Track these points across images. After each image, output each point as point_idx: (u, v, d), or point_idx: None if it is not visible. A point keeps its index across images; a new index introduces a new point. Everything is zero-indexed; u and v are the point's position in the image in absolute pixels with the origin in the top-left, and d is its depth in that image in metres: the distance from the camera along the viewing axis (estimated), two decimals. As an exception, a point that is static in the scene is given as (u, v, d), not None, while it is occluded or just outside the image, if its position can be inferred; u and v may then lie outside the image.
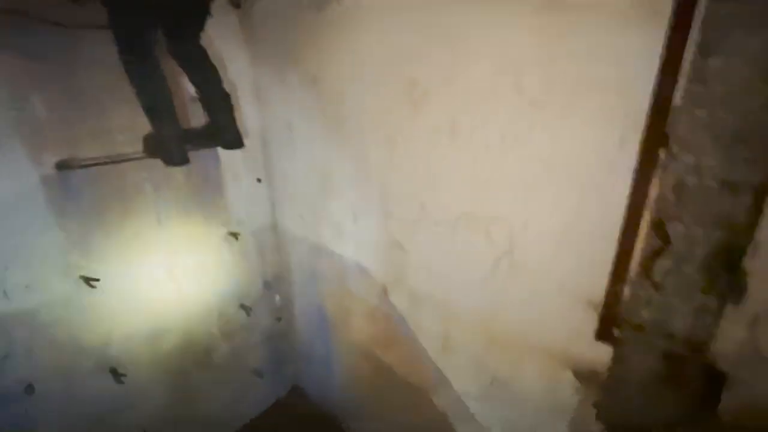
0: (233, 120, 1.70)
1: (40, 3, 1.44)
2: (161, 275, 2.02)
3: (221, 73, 1.65)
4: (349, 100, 1.70)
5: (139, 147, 1.65)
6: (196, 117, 1.81)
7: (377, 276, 1.90)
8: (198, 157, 1.90)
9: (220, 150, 2.07)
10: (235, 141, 1.74)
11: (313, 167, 2.02)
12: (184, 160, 1.60)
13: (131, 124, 1.72)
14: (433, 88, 1.39)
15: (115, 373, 1.93)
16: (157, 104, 1.47)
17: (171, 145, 1.55)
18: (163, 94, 1.47)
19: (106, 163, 1.67)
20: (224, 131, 1.70)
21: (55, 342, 1.73)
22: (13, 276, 1.57)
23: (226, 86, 1.66)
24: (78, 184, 1.67)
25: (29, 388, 1.68)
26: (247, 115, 2.17)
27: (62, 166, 1.59)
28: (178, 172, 1.95)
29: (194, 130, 1.74)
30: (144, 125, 1.55)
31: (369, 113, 1.64)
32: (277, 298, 2.63)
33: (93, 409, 1.90)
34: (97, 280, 1.77)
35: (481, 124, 1.30)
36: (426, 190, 1.54)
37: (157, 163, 1.60)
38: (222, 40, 1.96)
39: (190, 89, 1.69)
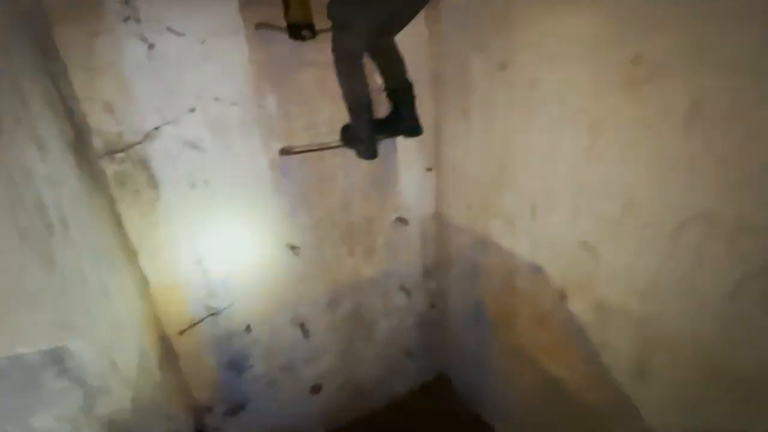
0: (414, 108, 1.78)
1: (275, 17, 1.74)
2: (343, 251, 2.28)
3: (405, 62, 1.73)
4: (544, 86, 1.58)
5: (337, 137, 1.87)
6: (379, 105, 1.96)
7: (555, 279, 1.75)
8: (380, 145, 2.07)
9: (398, 138, 2.21)
10: (415, 129, 1.82)
11: (489, 156, 1.97)
12: (374, 155, 1.75)
13: (332, 118, 1.97)
14: (666, 63, 1.18)
15: (303, 329, 2.27)
16: (359, 102, 1.62)
17: (365, 140, 1.71)
18: (365, 92, 1.61)
19: (312, 151, 1.95)
20: (406, 120, 1.79)
21: (265, 295, 2.12)
22: (245, 240, 1.98)
23: (409, 76, 1.74)
24: (291, 168, 1.99)
25: (248, 328, 2.11)
26: (423, 103, 2.25)
27: (283, 152, 1.92)
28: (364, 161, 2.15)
29: (381, 121, 1.89)
30: (341, 118, 1.75)
31: (569, 98, 1.49)
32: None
33: (287, 354, 2.29)
34: (298, 248, 2.10)
35: (735, 102, 1.04)
36: (638, 185, 1.32)
37: (349, 152, 1.80)
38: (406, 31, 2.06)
39: (378, 79, 1.83)
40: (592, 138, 1.44)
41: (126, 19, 1.50)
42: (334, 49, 1.50)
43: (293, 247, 2.11)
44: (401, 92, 1.74)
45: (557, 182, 1.63)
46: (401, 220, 2.41)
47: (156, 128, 1.65)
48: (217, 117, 1.76)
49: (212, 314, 2.01)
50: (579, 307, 1.67)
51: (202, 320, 1.99)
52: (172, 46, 1.60)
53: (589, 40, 1.38)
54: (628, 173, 1.35)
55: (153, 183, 1.71)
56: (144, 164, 1.67)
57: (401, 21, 1.52)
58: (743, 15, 1.00)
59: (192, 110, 1.71)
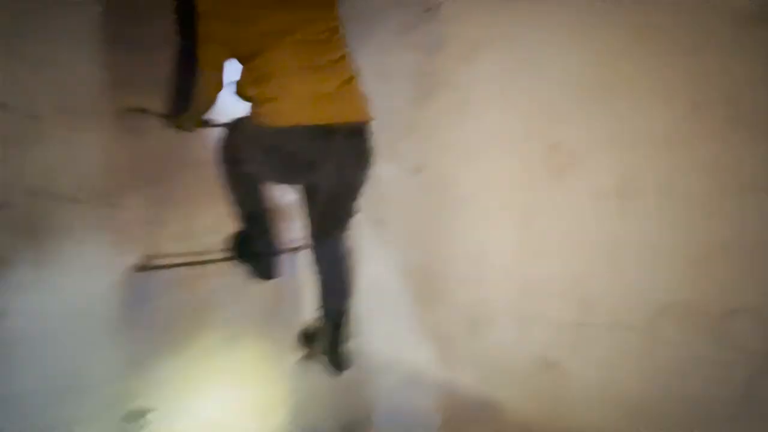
0: (342, 343, 1.46)
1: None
2: (218, 415, 1.57)
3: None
4: (464, 184, 1.49)
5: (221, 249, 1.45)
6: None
7: (516, 413, 1.35)
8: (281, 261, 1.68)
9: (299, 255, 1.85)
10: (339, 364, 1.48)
11: (412, 267, 1.71)
12: (273, 275, 1.45)
13: (216, 224, 1.57)
14: (586, 147, 1.15)
15: None
16: (253, 210, 1.37)
17: (260, 254, 1.37)
18: (262, 201, 1.38)
19: (185, 265, 1.46)
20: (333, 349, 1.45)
21: None
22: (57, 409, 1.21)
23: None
24: (152, 292, 1.43)
25: None
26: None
27: (141, 268, 1.38)
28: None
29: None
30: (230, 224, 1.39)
31: (492, 194, 1.39)
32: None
33: None
34: (148, 414, 1.36)
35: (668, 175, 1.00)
36: (588, 278, 1.16)
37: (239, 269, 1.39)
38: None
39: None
40: (525, 231, 1.31)
41: None
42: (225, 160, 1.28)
43: (140, 416, 1.36)
44: (331, 319, 1.41)
45: (496, 287, 1.40)
46: (306, 357, 1.85)
47: None
48: (39, 217, 1.23)
49: None
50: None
51: None
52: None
53: (503, 136, 1.37)
54: (573, 265, 1.20)
55: None
56: None
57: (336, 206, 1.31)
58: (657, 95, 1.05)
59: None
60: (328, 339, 1.40)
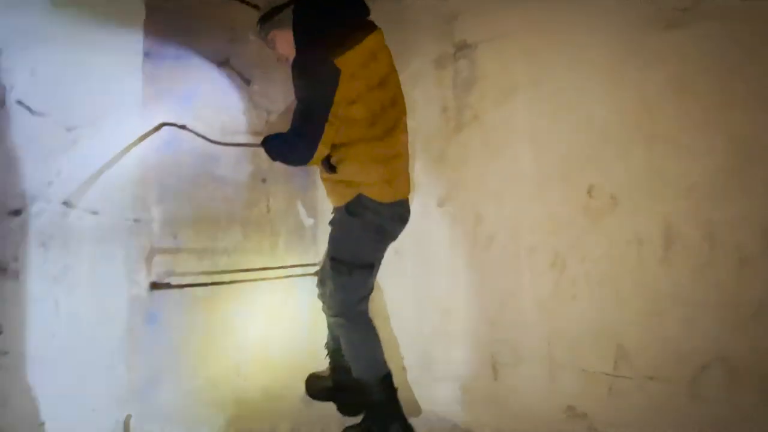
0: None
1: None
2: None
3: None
4: (490, 222, 1.47)
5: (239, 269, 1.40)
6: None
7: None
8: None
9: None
10: None
11: (428, 300, 1.65)
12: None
13: (235, 247, 1.53)
14: (625, 194, 1.15)
15: None
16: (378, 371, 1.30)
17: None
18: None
19: (201, 285, 1.40)
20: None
21: None
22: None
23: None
24: (165, 311, 1.36)
25: None
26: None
27: (156, 286, 1.32)
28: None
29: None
30: (247, 248, 1.40)
31: (521, 234, 1.37)
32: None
33: None
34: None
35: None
36: (627, 326, 1.12)
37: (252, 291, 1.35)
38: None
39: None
40: (558, 274, 1.28)
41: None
42: (344, 300, 1.27)
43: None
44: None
45: (523, 330, 1.36)
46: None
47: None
48: (59, 228, 1.18)
49: None
50: None
51: None
52: (18, 122, 1.12)
53: (536, 176, 1.36)
54: (610, 314, 1.16)
55: None
56: None
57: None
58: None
59: (16, 212, 1.11)
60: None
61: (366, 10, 1.22)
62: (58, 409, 1.15)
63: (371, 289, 1.32)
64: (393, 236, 1.32)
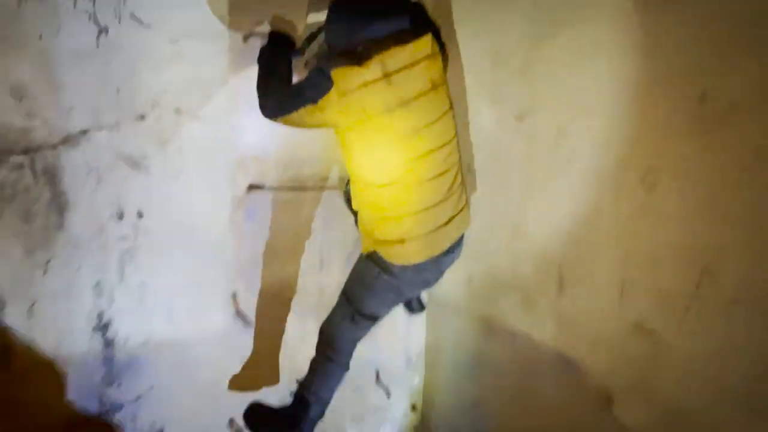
0: None
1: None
2: (310, 327, 1.75)
3: None
4: (574, 136, 1.37)
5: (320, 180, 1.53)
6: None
7: (595, 376, 1.33)
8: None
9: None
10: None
11: (498, 217, 1.65)
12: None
13: (318, 156, 1.64)
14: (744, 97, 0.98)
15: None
16: None
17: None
18: None
19: (290, 190, 1.57)
20: None
21: (194, 386, 1.50)
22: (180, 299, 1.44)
23: None
24: (259, 210, 1.57)
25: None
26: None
27: (253, 187, 1.52)
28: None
29: None
30: (328, 157, 1.49)
31: (609, 148, 1.27)
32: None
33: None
34: (250, 319, 1.57)
35: None
36: (720, 250, 1.03)
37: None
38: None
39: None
40: (645, 193, 1.19)
41: (75, -11, 1.17)
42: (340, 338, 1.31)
43: (244, 317, 1.57)
44: None
45: (596, 248, 1.32)
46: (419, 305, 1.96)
47: (83, 132, 1.23)
48: (173, 132, 1.37)
49: (107, 410, 1.35)
50: (633, 415, 1.24)
51: (89, 419, 1.32)
52: (132, 37, 1.27)
53: (636, 86, 1.20)
54: (703, 235, 1.07)
55: (59, 204, 1.22)
56: (51, 177, 1.20)
57: None
58: None
59: (141, 117, 1.32)
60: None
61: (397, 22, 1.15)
62: (181, 287, 1.45)
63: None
64: (414, 295, 1.30)
